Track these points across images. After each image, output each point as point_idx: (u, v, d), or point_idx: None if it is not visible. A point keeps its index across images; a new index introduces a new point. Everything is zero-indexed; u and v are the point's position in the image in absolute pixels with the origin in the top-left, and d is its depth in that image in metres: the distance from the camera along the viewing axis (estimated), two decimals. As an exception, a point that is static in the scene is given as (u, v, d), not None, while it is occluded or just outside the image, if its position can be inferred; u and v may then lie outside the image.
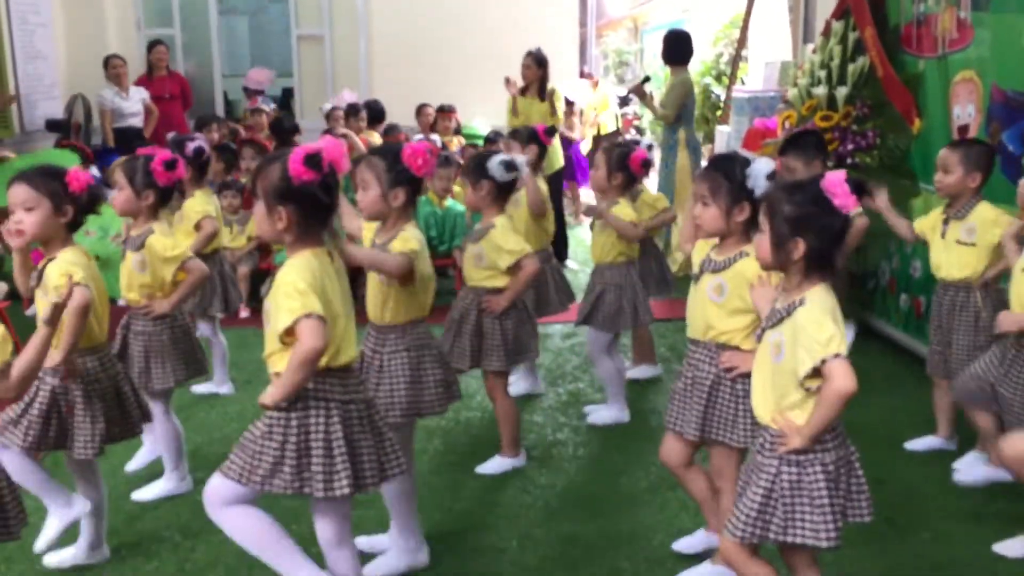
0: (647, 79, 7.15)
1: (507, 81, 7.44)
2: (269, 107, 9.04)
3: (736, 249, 2.78)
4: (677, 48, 7.11)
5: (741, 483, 2.44)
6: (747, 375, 2.59)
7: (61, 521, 3.00)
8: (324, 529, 2.57)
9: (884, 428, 4.25)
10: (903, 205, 5.16)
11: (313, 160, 2.30)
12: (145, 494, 3.63)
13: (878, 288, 5.52)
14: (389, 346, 3.00)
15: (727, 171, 2.78)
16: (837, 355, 2.18)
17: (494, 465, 3.87)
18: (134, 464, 3.88)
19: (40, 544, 3.02)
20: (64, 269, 2.77)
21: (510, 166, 3.62)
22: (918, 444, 4.04)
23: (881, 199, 3.98)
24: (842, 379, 2.18)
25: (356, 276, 2.92)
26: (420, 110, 8.69)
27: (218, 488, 2.46)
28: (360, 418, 2.49)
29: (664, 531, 3.36)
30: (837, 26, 5.57)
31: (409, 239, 2.90)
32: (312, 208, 2.37)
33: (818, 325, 2.21)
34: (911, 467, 3.90)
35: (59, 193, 2.84)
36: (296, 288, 2.29)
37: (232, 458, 2.45)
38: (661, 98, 7.21)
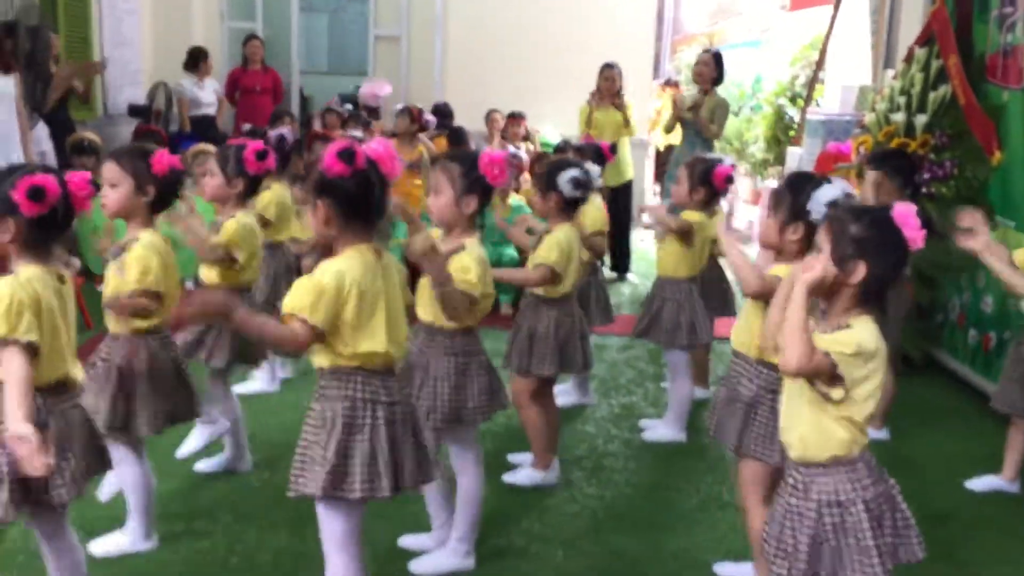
0: (693, 106, 7.09)
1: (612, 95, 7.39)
2: (343, 108, 9.18)
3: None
4: (723, 72, 7.15)
5: (776, 529, 2.30)
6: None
7: (127, 543, 3.11)
8: (336, 528, 2.46)
9: (945, 464, 4.16)
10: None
11: (345, 154, 2.28)
12: (208, 466, 3.75)
13: (946, 322, 5.39)
14: (437, 348, 2.98)
15: (794, 187, 2.75)
16: (829, 357, 2.09)
17: (522, 477, 3.83)
18: (185, 449, 3.85)
19: (96, 549, 3.10)
20: (144, 261, 2.88)
21: (579, 183, 3.59)
22: (979, 484, 3.93)
23: (980, 241, 3.42)
24: (799, 361, 2.09)
25: (413, 274, 2.90)
26: (489, 115, 8.71)
27: (322, 521, 2.46)
28: (404, 420, 2.49)
29: (712, 551, 3.32)
30: (920, 53, 5.47)
31: (468, 267, 2.80)
32: (348, 203, 2.34)
33: (847, 337, 2.12)
34: (971, 506, 3.80)
35: (143, 173, 2.94)
36: (317, 286, 2.27)
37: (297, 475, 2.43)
38: (704, 116, 7.11)
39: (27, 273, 2.30)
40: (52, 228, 2.36)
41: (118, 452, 3.02)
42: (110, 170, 2.96)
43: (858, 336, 2.13)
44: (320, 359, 2.39)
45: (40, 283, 2.30)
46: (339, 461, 2.35)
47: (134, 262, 2.89)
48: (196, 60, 8.50)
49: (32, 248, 2.35)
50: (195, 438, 3.78)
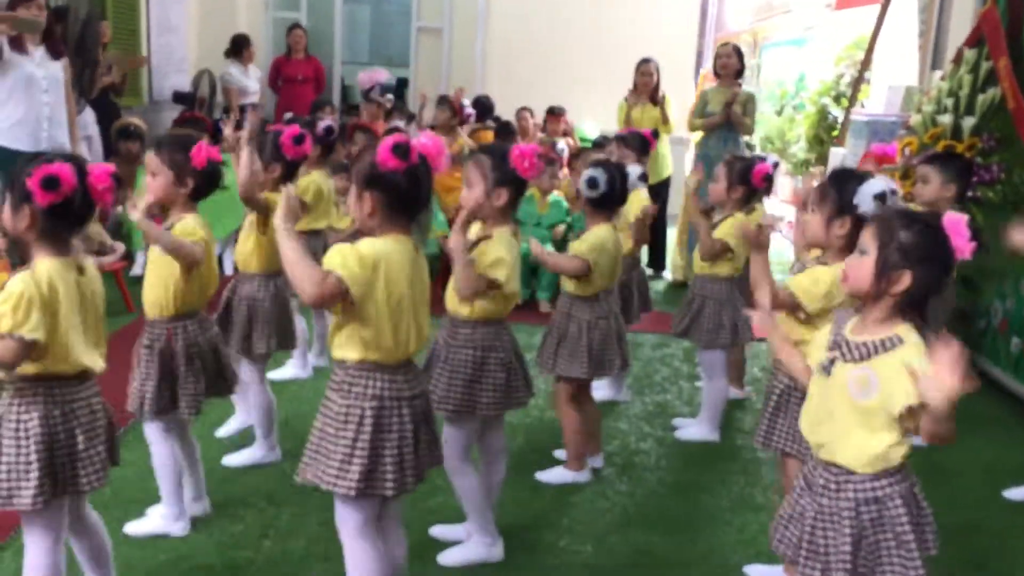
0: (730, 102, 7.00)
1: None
2: (385, 98, 9.26)
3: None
4: (744, 65, 7.18)
5: (807, 532, 2.27)
6: None
7: (160, 525, 3.16)
8: (357, 518, 2.49)
9: (983, 473, 4.10)
10: (1024, 244, 4.96)
11: (400, 149, 2.32)
12: (235, 459, 3.75)
13: (988, 328, 5.31)
14: (458, 340, 3.00)
15: (838, 182, 2.75)
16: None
17: (555, 475, 3.83)
18: (226, 430, 4.00)
19: (130, 529, 3.17)
20: (185, 227, 2.96)
21: (593, 183, 3.56)
22: (1017, 493, 3.87)
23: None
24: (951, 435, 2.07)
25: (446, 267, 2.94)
26: (518, 113, 8.36)
27: (340, 512, 2.50)
28: (423, 412, 2.53)
29: (742, 553, 3.31)
30: (969, 54, 5.38)
31: (488, 252, 2.85)
32: (396, 197, 2.38)
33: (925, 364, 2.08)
34: (1007, 516, 3.74)
35: (182, 165, 2.98)
36: (355, 251, 2.29)
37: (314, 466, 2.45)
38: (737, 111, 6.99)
39: (43, 267, 2.30)
40: (69, 219, 2.34)
41: (152, 432, 3.09)
42: (151, 159, 3.02)
43: (920, 346, 2.09)
44: (346, 351, 2.40)
45: (58, 277, 2.30)
46: (371, 460, 2.38)
47: (179, 230, 2.95)
48: (239, 47, 8.58)
49: (50, 238, 2.34)
50: (235, 422, 3.84)
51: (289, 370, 4.78)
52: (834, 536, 2.20)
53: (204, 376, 3.06)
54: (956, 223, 2.14)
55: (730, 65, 7.05)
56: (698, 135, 7.59)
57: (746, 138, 7.32)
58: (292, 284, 2.31)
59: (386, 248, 2.36)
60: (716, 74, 7.34)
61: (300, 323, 4.85)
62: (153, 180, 3.01)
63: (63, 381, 2.36)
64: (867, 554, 2.18)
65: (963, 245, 2.12)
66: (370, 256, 2.31)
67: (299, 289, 2.29)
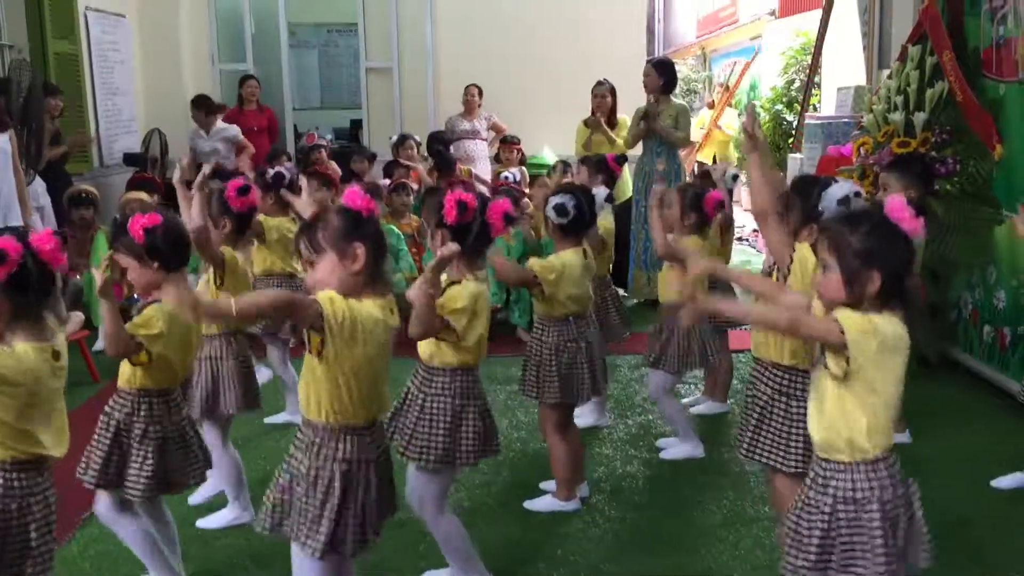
0: (647, 115, 7.06)
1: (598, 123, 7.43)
2: (326, 139, 9.22)
3: None
4: (672, 78, 7.14)
5: (792, 522, 2.29)
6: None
7: None
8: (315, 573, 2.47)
9: (968, 464, 4.09)
10: (985, 233, 5.00)
11: (370, 189, 2.33)
12: (209, 522, 3.64)
13: (960, 319, 5.34)
14: (434, 389, 2.94)
15: (803, 191, 2.77)
16: (837, 323, 2.09)
17: (543, 504, 3.78)
18: (197, 497, 3.84)
19: None
20: (148, 316, 2.82)
21: (562, 210, 3.54)
22: (1006, 481, 3.86)
23: None
24: (809, 324, 2.17)
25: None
26: (466, 90, 8.69)
27: (299, 568, 2.46)
28: (385, 467, 2.51)
29: (739, 568, 3.26)
30: (914, 51, 5.45)
31: (455, 298, 2.82)
32: (378, 243, 2.38)
33: (860, 315, 2.12)
34: (998, 505, 3.74)
35: (135, 248, 2.86)
36: (349, 305, 2.30)
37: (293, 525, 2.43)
38: (667, 124, 6.99)
39: (20, 348, 2.24)
40: (32, 291, 2.28)
41: (102, 507, 2.95)
42: (118, 258, 2.89)
43: (875, 318, 2.11)
44: (316, 413, 2.39)
45: (32, 362, 2.24)
46: (337, 522, 2.36)
47: (142, 314, 2.85)
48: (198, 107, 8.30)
49: (22, 320, 2.28)
50: (206, 488, 3.75)
51: (283, 415, 4.74)
52: (808, 527, 2.22)
53: (158, 461, 2.86)
54: (897, 208, 2.15)
55: (649, 83, 7.06)
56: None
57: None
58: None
59: (368, 314, 2.34)
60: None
61: (291, 372, 4.80)
62: (130, 274, 2.91)
63: (24, 470, 2.28)
64: (841, 553, 2.18)
65: (912, 224, 2.14)
66: (355, 315, 2.30)
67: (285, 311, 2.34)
